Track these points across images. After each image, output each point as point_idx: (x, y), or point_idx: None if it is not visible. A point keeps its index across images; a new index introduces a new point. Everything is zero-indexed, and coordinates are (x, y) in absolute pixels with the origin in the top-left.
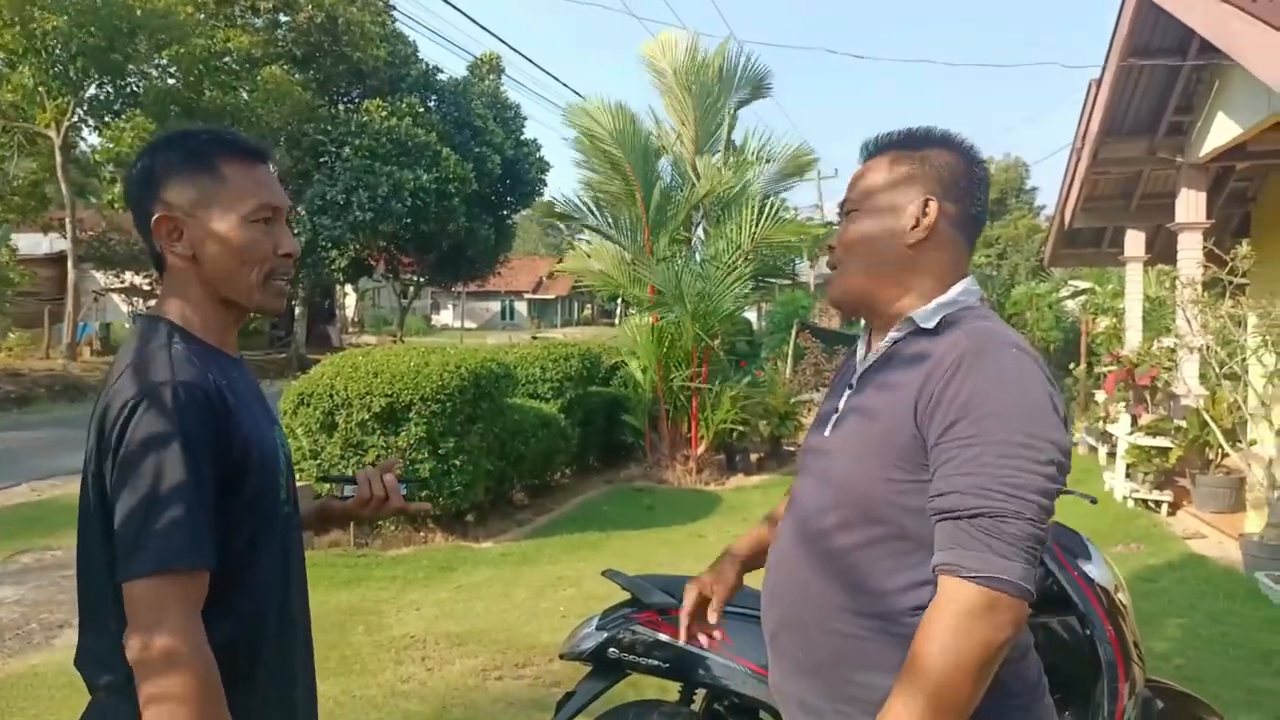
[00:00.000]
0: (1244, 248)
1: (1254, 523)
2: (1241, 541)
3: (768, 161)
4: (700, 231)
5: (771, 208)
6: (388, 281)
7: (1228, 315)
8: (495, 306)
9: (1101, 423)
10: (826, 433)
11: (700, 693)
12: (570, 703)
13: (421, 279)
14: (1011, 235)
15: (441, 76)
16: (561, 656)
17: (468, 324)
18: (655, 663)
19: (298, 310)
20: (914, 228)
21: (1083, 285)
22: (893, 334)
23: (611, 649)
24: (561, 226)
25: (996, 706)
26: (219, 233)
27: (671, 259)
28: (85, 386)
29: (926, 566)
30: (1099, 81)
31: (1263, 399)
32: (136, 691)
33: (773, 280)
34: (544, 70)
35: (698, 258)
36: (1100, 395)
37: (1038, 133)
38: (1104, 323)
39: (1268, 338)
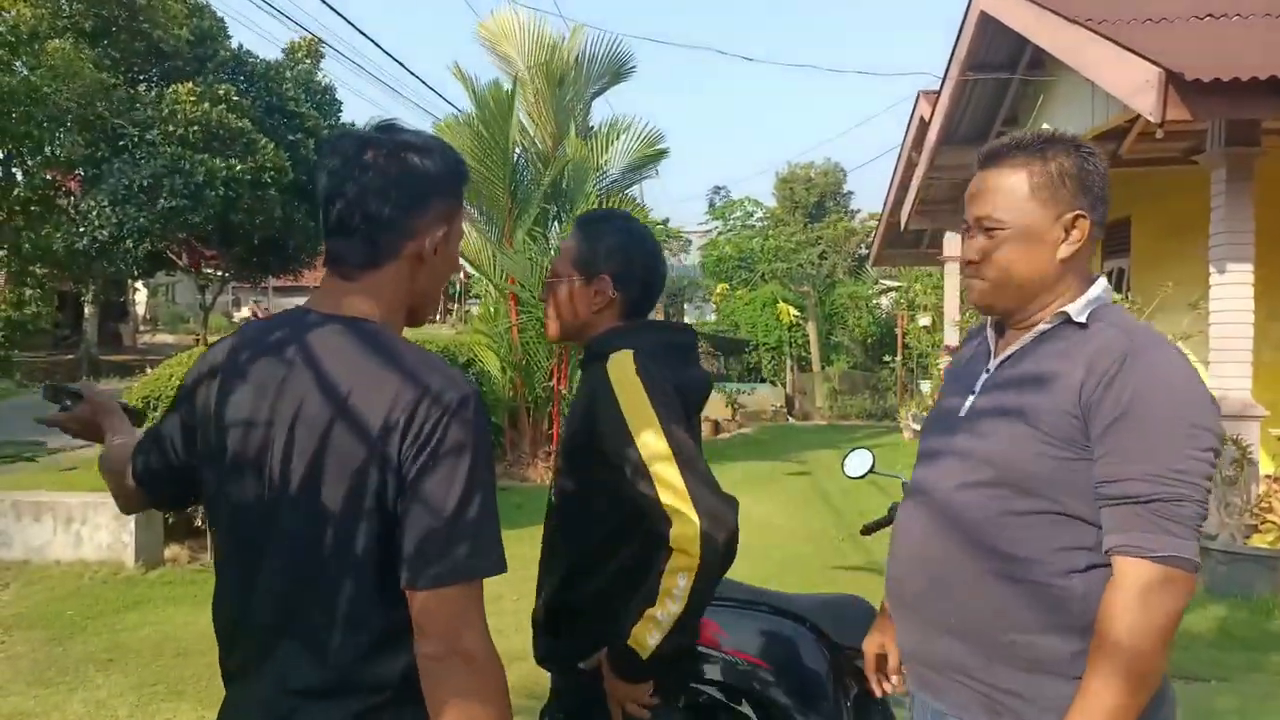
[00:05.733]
0: None
1: None
2: None
3: (614, 145)
4: (556, 225)
5: (621, 204)
6: (186, 276)
7: None
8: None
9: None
10: (961, 415)
11: None
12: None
13: (226, 274)
14: (832, 236)
15: (254, 59)
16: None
17: None
18: None
19: (88, 309)
20: (1064, 242)
21: (892, 284)
22: (1042, 326)
23: None
24: None
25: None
26: (448, 255)
27: (530, 253)
28: None
29: (1079, 534)
30: (938, 94)
31: None
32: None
33: None
34: (378, 45)
35: (553, 251)
36: (925, 385)
37: (849, 139)
38: (925, 319)
39: None
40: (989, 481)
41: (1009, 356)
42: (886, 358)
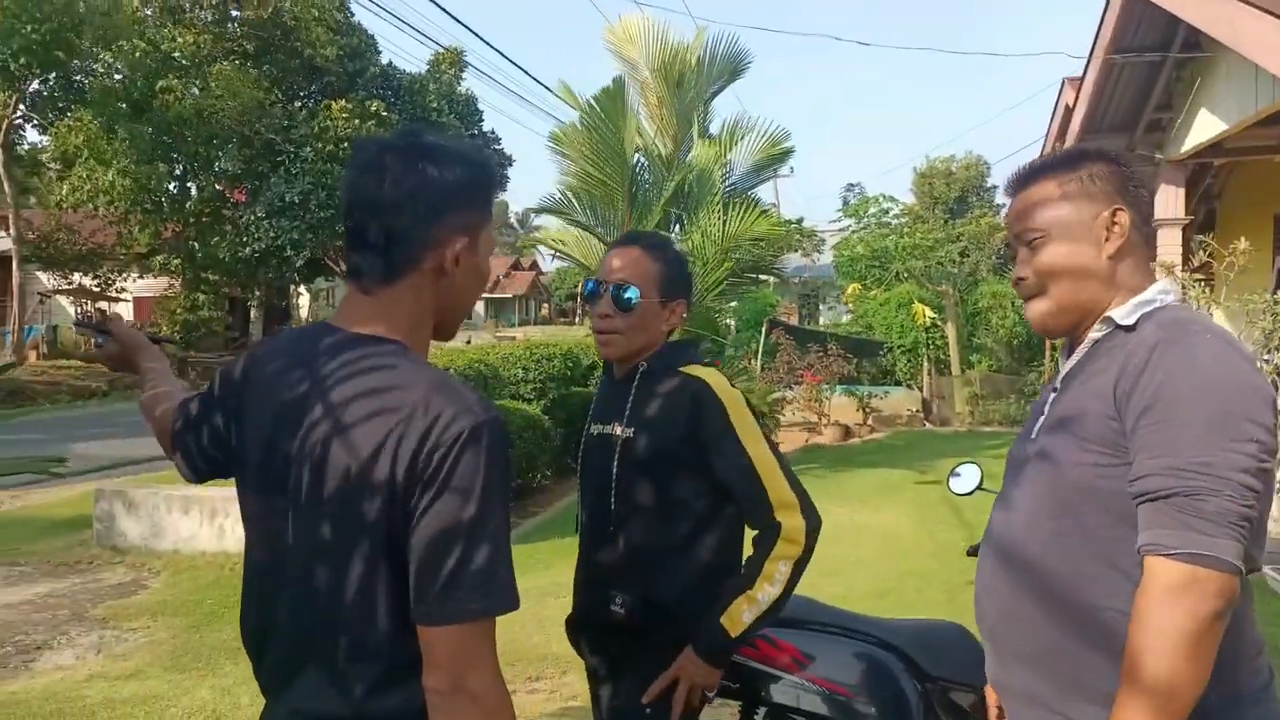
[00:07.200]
0: (1242, 242)
1: None
2: None
3: (738, 146)
4: (677, 228)
5: (745, 205)
6: (344, 282)
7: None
8: None
9: None
10: (1034, 435)
11: (761, 711)
12: None
13: None
14: (974, 233)
15: (401, 73)
16: None
17: None
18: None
19: (253, 312)
20: (1108, 239)
21: None
22: (1093, 334)
23: None
24: (517, 226)
25: (1229, 702)
26: (473, 267)
27: None
28: (33, 392)
29: (1135, 554)
30: (1081, 79)
31: None
32: None
33: (757, 276)
34: (511, 60)
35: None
36: None
37: (994, 131)
38: None
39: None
40: (1045, 499)
41: (1068, 372)
42: (1034, 361)
